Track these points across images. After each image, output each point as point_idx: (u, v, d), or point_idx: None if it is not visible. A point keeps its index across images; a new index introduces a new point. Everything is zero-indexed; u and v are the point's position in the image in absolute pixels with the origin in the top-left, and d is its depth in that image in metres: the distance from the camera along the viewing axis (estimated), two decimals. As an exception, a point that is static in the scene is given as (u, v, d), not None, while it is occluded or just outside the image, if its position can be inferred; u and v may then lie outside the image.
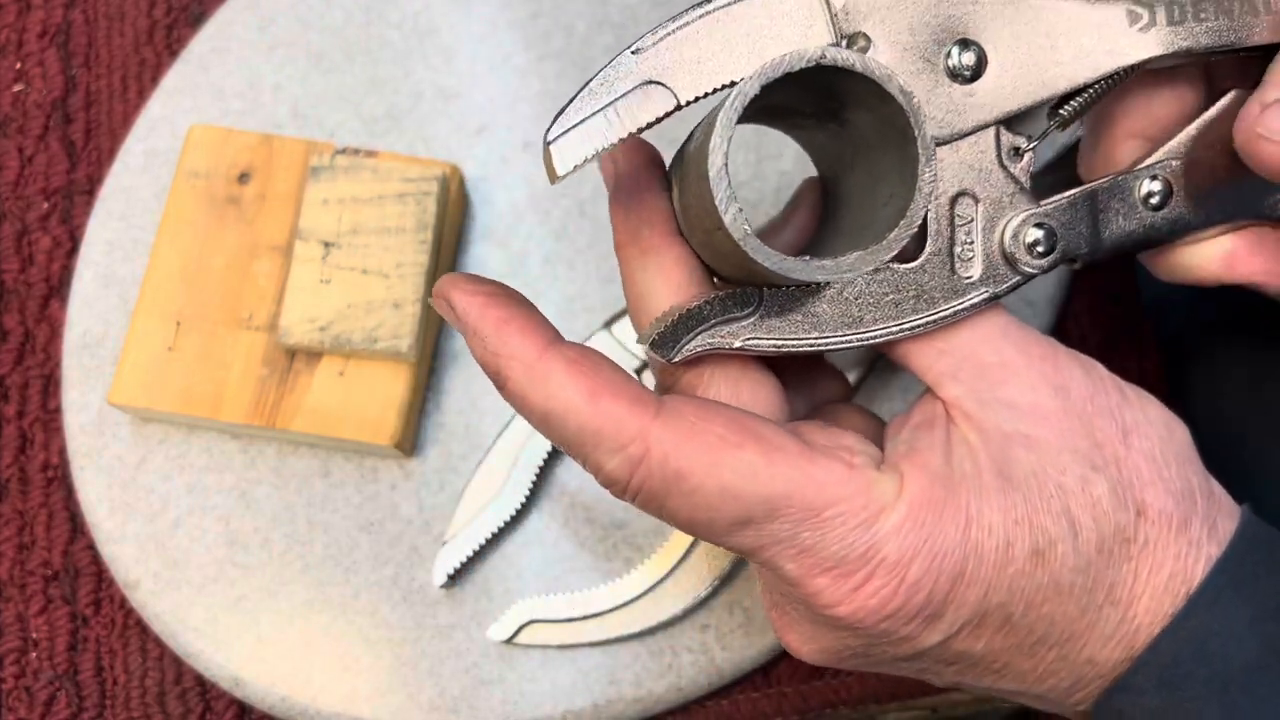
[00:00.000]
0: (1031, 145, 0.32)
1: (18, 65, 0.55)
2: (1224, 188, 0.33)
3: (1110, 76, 0.32)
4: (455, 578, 0.46)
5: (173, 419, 0.47)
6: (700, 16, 0.29)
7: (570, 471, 0.47)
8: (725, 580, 0.45)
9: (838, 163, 0.33)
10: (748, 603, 0.45)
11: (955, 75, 0.31)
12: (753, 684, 0.46)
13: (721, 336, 0.30)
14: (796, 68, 0.27)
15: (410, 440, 0.47)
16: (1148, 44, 0.32)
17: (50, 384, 0.51)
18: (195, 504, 0.47)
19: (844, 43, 0.30)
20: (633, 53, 0.28)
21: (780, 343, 0.30)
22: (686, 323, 0.30)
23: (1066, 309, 0.49)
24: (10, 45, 0.55)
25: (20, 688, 0.48)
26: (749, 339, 0.30)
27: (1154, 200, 0.33)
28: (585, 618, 0.45)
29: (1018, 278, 0.32)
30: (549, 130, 0.28)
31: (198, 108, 0.52)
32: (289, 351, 0.47)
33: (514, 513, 0.46)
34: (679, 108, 0.28)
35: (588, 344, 0.46)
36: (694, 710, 0.46)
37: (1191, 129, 0.33)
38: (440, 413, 0.48)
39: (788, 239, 0.36)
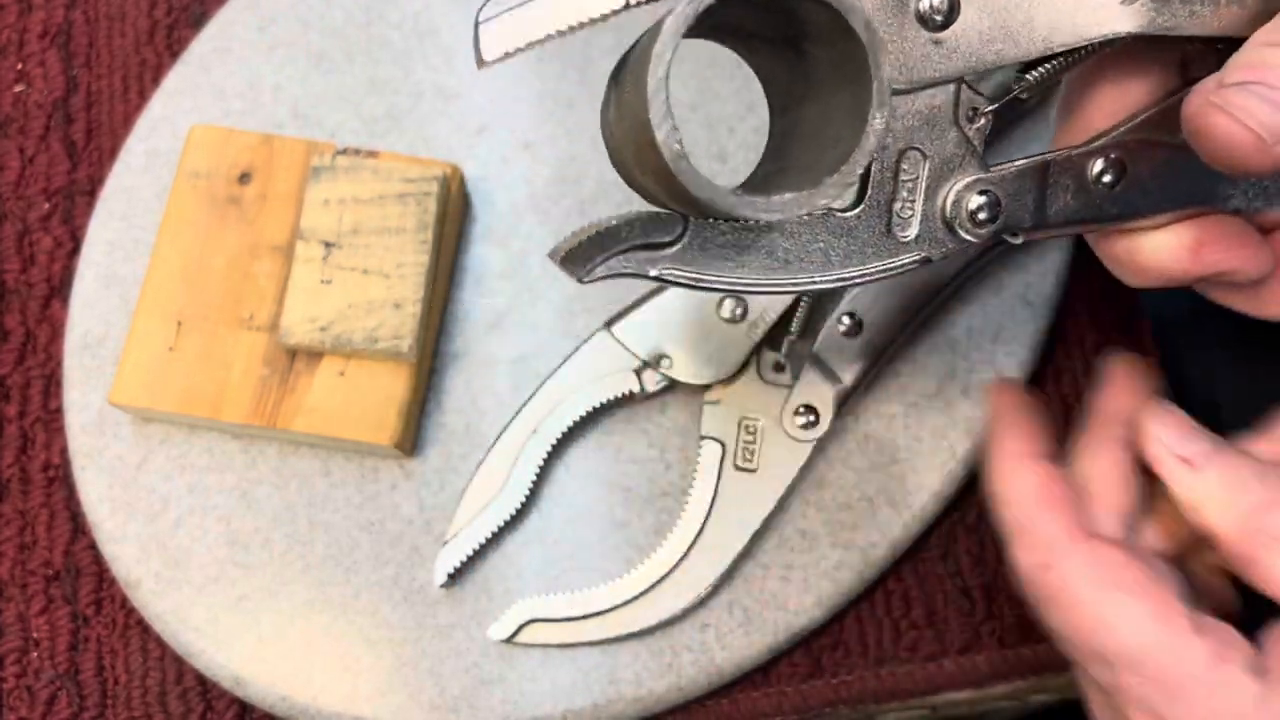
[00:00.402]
0: (991, 108, 0.30)
1: (19, 65, 0.55)
2: (1179, 175, 0.32)
3: (1085, 46, 0.30)
4: (455, 577, 0.46)
5: (174, 419, 0.47)
6: None
7: (570, 472, 0.47)
8: (725, 580, 0.45)
9: (789, 95, 0.32)
10: (748, 602, 0.46)
11: (925, 20, 0.29)
12: (753, 684, 0.46)
13: (637, 262, 0.28)
14: None
15: (411, 440, 0.47)
16: (1130, 17, 0.30)
17: (51, 384, 0.51)
18: (196, 504, 0.47)
19: None
20: None
21: (699, 278, 0.29)
22: (600, 241, 0.28)
23: (1066, 309, 0.49)
24: (11, 45, 0.55)
25: (21, 687, 0.48)
26: (666, 269, 0.29)
27: (1106, 179, 0.32)
28: (585, 617, 0.45)
29: (955, 244, 0.31)
30: (483, 7, 0.26)
31: (198, 108, 0.52)
32: (290, 351, 0.47)
33: (514, 513, 0.46)
34: (630, 6, 0.27)
35: (588, 344, 0.47)
36: (694, 710, 0.46)
37: (1154, 112, 0.32)
38: (440, 413, 0.48)
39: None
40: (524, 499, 0.46)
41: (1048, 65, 0.31)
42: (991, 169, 0.31)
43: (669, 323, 0.46)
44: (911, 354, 0.48)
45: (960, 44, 0.29)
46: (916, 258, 0.30)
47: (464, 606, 0.46)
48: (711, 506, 0.45)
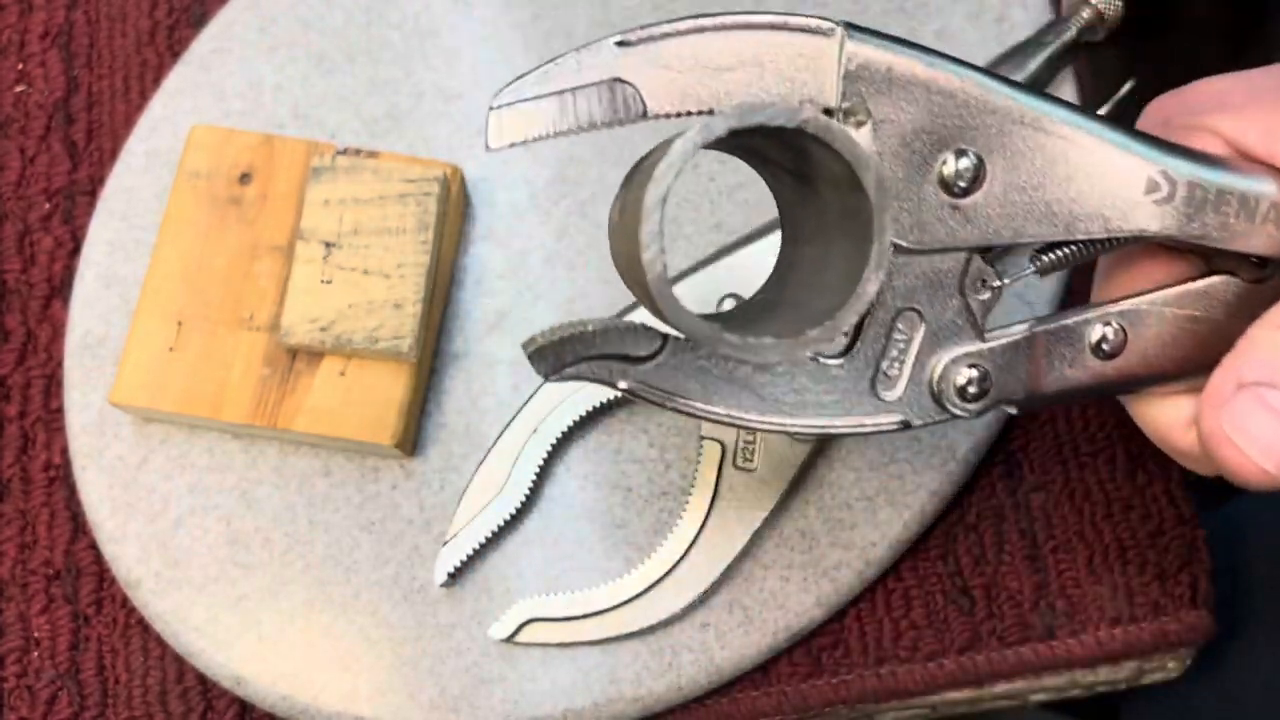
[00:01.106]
0: (1000, 283, 0.29)
1: (19, 66, 0.55)
2: (1185, 346, 0.30)
3: (1109, 239, 0.29)
4: (456, 577, 0.46)
5: (174, 419, 0.47)
6: (699, 29, 0.26)
7: (570, 472, 0.47)
8: (725, 580, 0.45)
9: (798, 227, 0.31)
10: (748, 602, 0.46)
11: (947, 184, 0.27)
12: (753, 683, 0.46)
13: (609, 371, 0.27)
14: (775, 123, 0.24)
15: (411, 440, 0.47)
16: (1159, 219, 0.29)
17: (52, 384, 0.51)
18: (197, 504, 0.47)
19: (843, 110, 0.27)
20: (616, 43, 0.26)
21: (668, 399, 0.28)
22: (573, 345, 0.27)
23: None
24: (12, 46, 0.56)
25: (22, 687, 0.48)
26: (637, 383, 0.28)
27: (1105, 348, 0.30)
28: (585, 617, 0.45)
29: (943, 415, 0.29)
30: (499, 93, 0.26)
31: (199, 108, 0.52)
32: (290, 351, 0.47)
33: (514, 513, 0.46)
34: (644, 118, 0.26)
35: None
36: (694, 709, 0.46)
37: (1169, 293, 0.30)
38: (440, 413, 0.48)
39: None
40: (524, 499, 0.46)
41: (1068, 250, 0.30)
42: (986, 338, 0.29)
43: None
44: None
45: (980, 214, 0.28)
46: (896, 420, 0.29)
47: (464, 606, 0.46)
48: (711, 506, 0.45)
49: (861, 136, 0.27)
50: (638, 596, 0.45)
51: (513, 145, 0.26)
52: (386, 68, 0.52)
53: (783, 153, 0.28)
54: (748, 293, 0.46)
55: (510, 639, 0.45)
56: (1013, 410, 0.30)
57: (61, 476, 0.50)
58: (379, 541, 0.47)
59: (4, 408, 0.51)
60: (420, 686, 0.45)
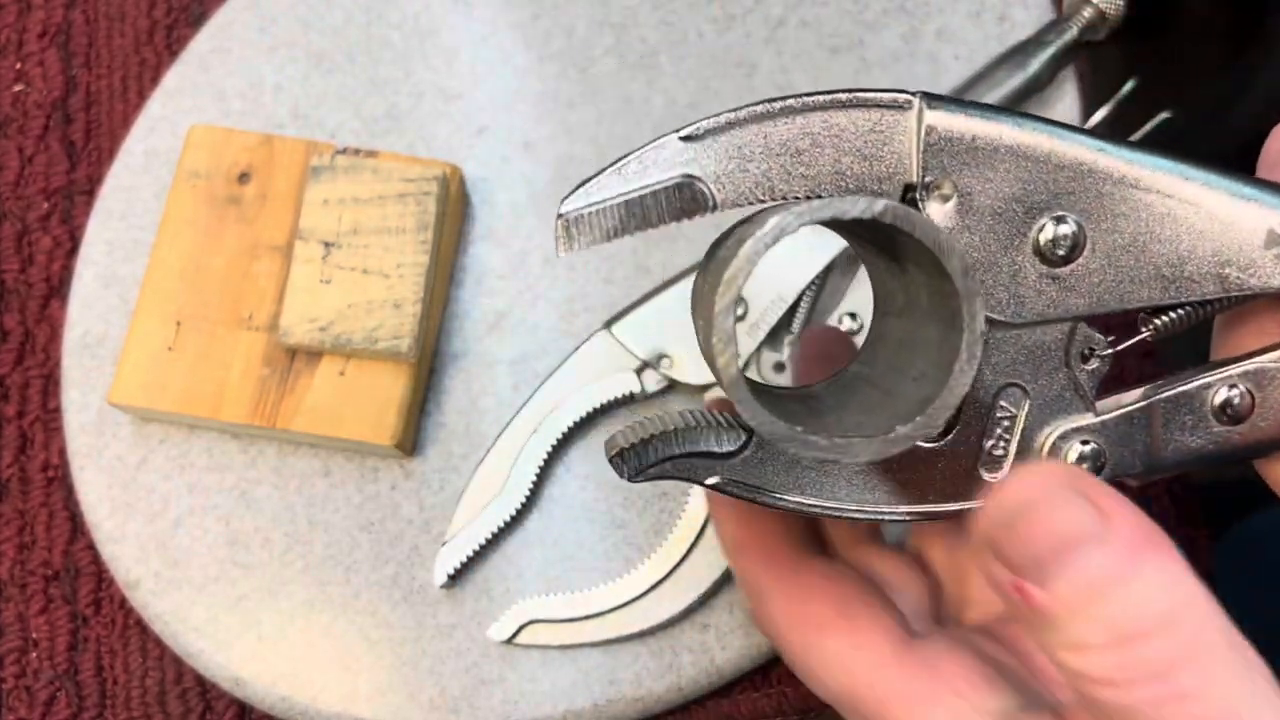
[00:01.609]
0: (1110, 352, 0.27)
1: (18, 65, 0.55)
2: None
3: (1227, 297, 0.27)
4: (455, 578, 0.46)
5: (173, 419, 0.47)
6: (765, 115, 0.25)
7: (570, 472, 0.47)
8: (725, 580, 0.45)
9: (889, 301, 0.29)
10: (748, 603, 0.45)
11: (1044, 254, 0.26)
12: (753, 684, 0.46)
13: (692, 469, 0.27)
14: (848, 216, 0.23)
15: (410, 440, 0.47)
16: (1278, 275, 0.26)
17: (50, 384, 0.51)
18: (196, 504, 0.47)
19: (925, 184, 0.26)
20: (681, 139, 0.25)
21: (757, 494, 0.27)
22: (658, 445, 0.27)
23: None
24: (10, 45, 0.55)
25: (20, 687, 0.48)
26: (723, 480, 0.27)
27: (1230, 412, 0.28)
28: (585, 618, 0.45)
29: None
30: (567, 198, 0.25)
31: (198, 108, 0.52)
32: (289, 351, 0.47)
33: (514, 513, 0.46)
34: (713, 210, 0.25)
35: (588, 344, 0.47)
36: (694, 710, 0.46)
37: None
38: (440, 413, 0.48)
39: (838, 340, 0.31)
40: (524, 499, 0.46)
41: (1183, 311, 0.28)
42: (1098, 412, 0.27)
43: (669, 323, 0.46)
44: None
45: (1082, 283, 0.26)
46: None
47: (464, 607, 0.46)
48: (712, 507, 0.45)
49: (946, 211, 0.26)
50: (638, 598, 0.45)
51: (578, 250, 0.25)
52: (386, 67, 0.52)
53: (870, 233, 0.27)
54: (749, 294, 0.46)
55: (510, 640, 0.45)
56: (1133, 483, 0.28)
57: (60, 476, 0.50)
58: (378, 542, 0.47)
59: (2, 408, 0.51)
60: (420, 687, 0.45)
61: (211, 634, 0.46)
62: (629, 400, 0.46)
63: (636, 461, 0.27)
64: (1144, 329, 0.28)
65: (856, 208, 0.23)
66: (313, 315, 0.45)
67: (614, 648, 0.45)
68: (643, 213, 0.25)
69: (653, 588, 0.45)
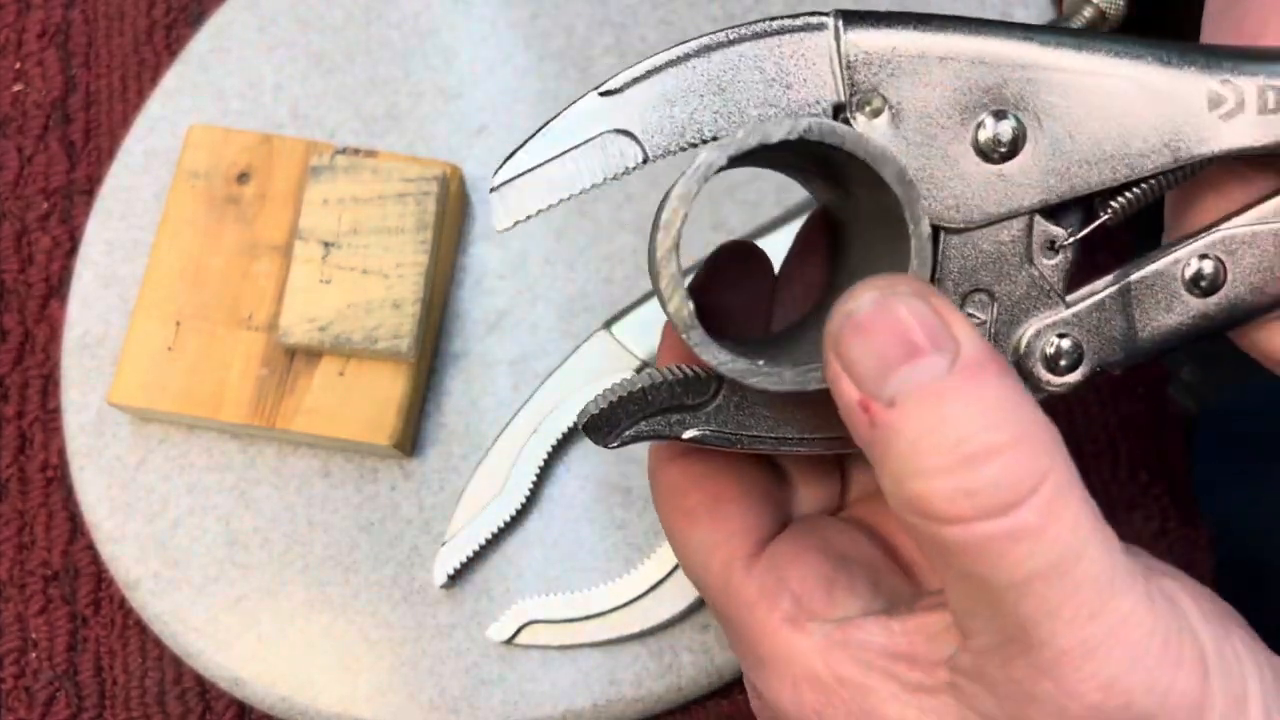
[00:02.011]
0: (1071, 240, 0.27)
1: (17, 65, 0.55)
2: None
3: (1180, 167, 0.26)
4: (455, 578, 0.46)
5: (173, 419, 0.47)
6: (683, 58, 0.25)
7: (570, 472, 0.47)
8: (725, 580, 0.45)
9: (844, 222, 0.29)
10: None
11: (986, 152, 0.26)
12: (753, 684, 0.46)
13: (667, 425, 0.27)
14: (773, 139, 0.24)
15: (410, 440, 0.47)
16: (1230, 134, 0.26)
17: (50, 384, 0.51)
18: (195, 504, 0.47)
19: (854, 102, 0.25)
20: (600, 94, 0.25)
21: (736, 436, 0.27)
22: (628, 407, 0.26)
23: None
24: (10, 45, 0.55)
25: (20, 688, 0.48)
26: (700, 431, 0.27)
27: (1204, 284, 0.27)
28: (585, 618, 0.45)
29: (1039, 395, 0.27)
30: (496, 173, 0.25)
31: (197, 108, 0.52)
32: (289, 351, 0.47)
33: (514, 513, 0.46)
34: (646, 162, 0.25)
35: (588, 344, 0.47)
36: (694, 710, 0.46)
37: (1264, 208, 0.27)
38: (440, 413, 0.48)
39: (796, 293, 0.31)
40: (524, 499, 0.46)
41: (1138, 189, 0.27)
42: (1069, 304, 0.27)
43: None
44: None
45: (1029, 176, 0.26)
46: None
47: (464, 607, 0.46)
48: (712, 507, 0.44)
49: (879, 126, 0.25)
50: (638, 598, 0.45)
51: (522, 221, 0.25)
52: (386, 67, 0.52)
53: (805, 160, 0.27)
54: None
55: (510, 640, 0.45)
56: (1116, 371, 0.28)
57: (59, 477, 0.49)
58: (378, 542, 0.47)
59: (2, 408, 0.51)
60: (420, 687, 0.45)
61: (211, 634, 0.46)
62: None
63: (610, 426, 0.27)
64: (1102, 212, 0.27)
65: (781, 129, 0.23)
66: (312, 315, 0.45)
67: (614, 648, 0.45)
68: (576, 175, 0.25)
69: (653, 588, 0.45)
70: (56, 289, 0.52)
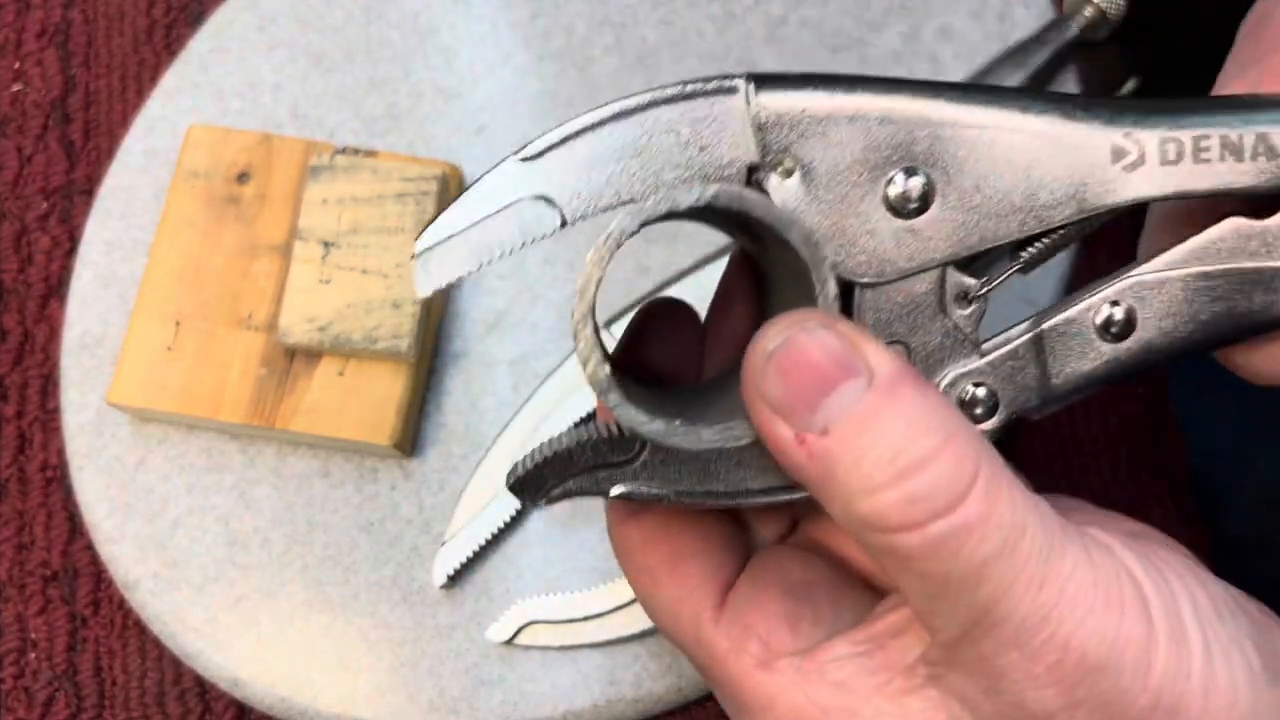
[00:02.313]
0: (983, 292, 0.27)
1: (16, 65, 0.55)
2: (1208, 318, 0.28)
3: (1087, 218, 0.27)
4: (455, 578, 0.46)
5: (172, 419, 0.47)
6: (599, 123, 0.26)
7: (570, 472, 0.47)
8: (725, 581, 0.45)
9: (765, 271, 0.30)
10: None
11: (896, 208, 0.26)
12: (753, 684, 0.46)
13: (595, 483, 0.27)
14: (682, 206, 0.24)
15: (410, 440, 0.47)
16: (1133, 185, 0.27)
17: (49, 384, 0.51)
18: (194, 504, 0.47)
19: (766, 166, 0.26)
20: (520, 160, 0.25)
21: (663, 494, 0.27)
22: (554, 466, 0.27)
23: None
24: (9, 45, 0.55)
25: (19, 688, 0.48)
26: (629, 488, 0.27)
27: (1114, 329, 0.28)
28: (585, 618, 0.45)
29: None
30: (418, 239, 0.26)
31: (197, 107, 0.52)
32: (288, 351, 0.46)
33: (514, 513, 0.46)
34: (564, 225, 0.26)
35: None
36: (694, 711, 0.46)
37: (1168, 256, 0.28)
38: (440, 413, 0.48)
39: (722, 338, 0.31)
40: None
41: (1046, 240, 0.28)
42: (984, 350, 0.28)
43: (669, 323, 0.46)
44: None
45: (940, 230, 0.27)
46: None
47: (463, 607, 0.46)
48: (712, 507, 0.44)
49: (791, 186, 0.26)
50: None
51: (444, 288, 0.26)
52: (385, 67, 0.52)
53: (720, 220, 0.27)
54: None
55: (510, 641, 0.45)
56: (1033, 417, 0.29)
57: (59, 477, 0.49)
58: (378, 542, 0.47)
59: (1, 408, 0.51)
60: (419, 688, 0.45)
61: (210, 634, 0.46)
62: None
63: (536, 488, 0.27)
64: (1011, 263, 0.28)
65: (690, 196, 0.24)
66: (312, 315, 0.45)
67: (614, 648, 0.45)
68: (493, 239, 0.25)
69: (653, 588, 0.44)
70: (56, 289, 0.52)
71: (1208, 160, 0.27)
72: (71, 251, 0.52)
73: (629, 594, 0.45)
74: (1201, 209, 0.28)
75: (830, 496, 0.24)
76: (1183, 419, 0.48)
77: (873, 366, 0.24)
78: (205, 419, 0.46)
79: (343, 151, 0.47)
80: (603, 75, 0.52)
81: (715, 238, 0.49)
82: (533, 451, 0.27)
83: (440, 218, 0.25)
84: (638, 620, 0.44)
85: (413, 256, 0.26)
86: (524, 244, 0.25)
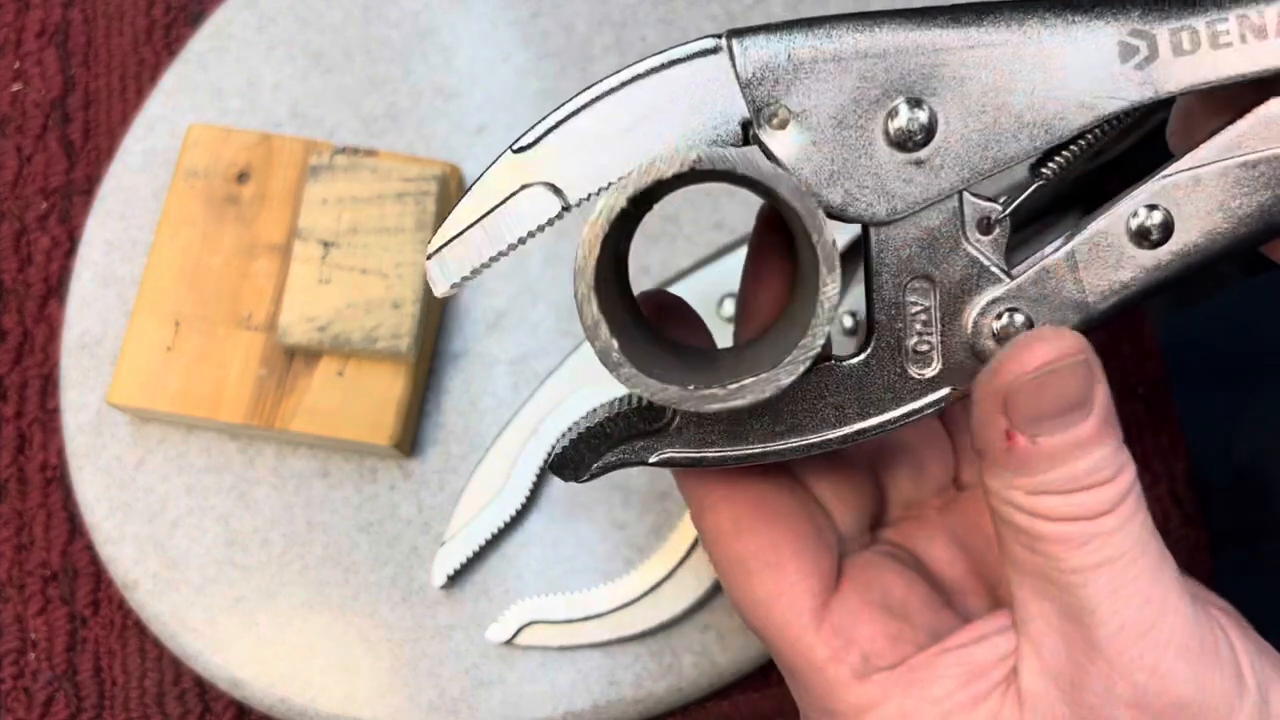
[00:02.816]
0: (1005, 213, 0.27)
1: (16, 64, 0.55)
2: (1259, 206, 0.26)
3: (1104, 123, 0.26)
4: (455, 578, 0.46)
5: (171, 419, 0.47)
6: (589, 103, 0.26)
7: (570, 472, 0.47)
8: (725, 581, 0.45)
9: (796, 248, 0.29)
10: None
11: (900, 143, 0.26)
12: (753, 684, 0.46)
13: (633, 453, 0.27)
14: (667, 175, 0.24)
15: (409, 440, 0.47)
16: (1147, 83, 0.26)
17: (49, 384, 0.51)
18: (194, 504, 0.47)
19: (759, 119, 0.26)
20: (515, 151, 0.26)
21: (700, 456, 0.27)
22: (590, 442, 0.27)
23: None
24: (9, 44, 0.55)
25: (19, 688, 0.47)
26: (664, 454, 0.27)
27: (1153, 236, 0.26)
28: (585, 618, 0.45)
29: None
30: (430, 243, 0.26)
31: (196, 107, 0.52)
32: (288, 351, 0.46)
33: (514, 513, 0.45)
34: (567, 210, 0.26)
35: (587, 344, 0.47)
36: (694, 710, 0.46)
37: (1206, 149, 0.26)
38: (440, 413, 0.48)
39: (760, 298, 0.31)
40: (524, 499, 0.45)
41: (1066, 153, 0.27)
42: (1014, 275, 0.27)
43: (669, 322, 0.46)
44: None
45: (947, 159, 0.26)
46: (944, 395, 0.27)
47: (463, 608, 0.46)
48: (712, 507, 0.44)
49: (788, 136, 0.26)
50: (638, 599, 0.44)
51: (460, 285, 0.26)
52: (385, 66, 0.52)
53: (729, 180, 0.27)
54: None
55: (510, 641, 0.45)
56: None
57: (58, 477, 0.49)
58: (377, 542, 0.47)
59: (1, 408, 0.51)
60: (419, 688, 0.45)
61: (210, 635, 0.46)
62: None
63: (576, 465, 0.27)
64: (1034, 178, 0.27)
65: (673, 165, 0.24)
66: (311, 315, 0.45)
67: (614, 648, 0.45)
68: (501, 231, 0.26)
69: (653, 588, 0.44)
70: (56, 289, 0.52)
71: (1228, 44, 0.25)
72: (71, 251, 0.52)
73: (629, 594, 0.44)
74: (1231, 98, 0.27)
75: (1001, 478, 0.26)
76: (1183, 419, 0.48)
77: (1099, 401, 0.26)
78: (205, 419, 0.46)
79: (342, 151, 0.47)
80: (603, 74, 0.52)
81: (715, 237, 0.49)
82: (567, 430, 0.28)
83: (447, 219, 0.26)
84: (638, 620, 0.44)
85: (428, 257, 0.26)
86: (530, 232, 0.26)
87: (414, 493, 0.47)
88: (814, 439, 0.27)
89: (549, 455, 0.28)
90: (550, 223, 0.26)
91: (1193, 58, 0.26)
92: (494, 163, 0.26)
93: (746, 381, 0.24)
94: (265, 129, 0.51)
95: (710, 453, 0.27)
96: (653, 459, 0.27)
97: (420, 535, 0.46)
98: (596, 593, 0.45)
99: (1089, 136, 0.26)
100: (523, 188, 0.26)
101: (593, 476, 0.28)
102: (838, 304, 0.25)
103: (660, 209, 0.52)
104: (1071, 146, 0.27)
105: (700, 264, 0.46)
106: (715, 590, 0.45)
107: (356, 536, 0.47)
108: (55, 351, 0.51)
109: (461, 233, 0.26)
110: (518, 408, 0.46)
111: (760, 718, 0.46)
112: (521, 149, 0.26)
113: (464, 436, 0.48)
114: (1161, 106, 0.26)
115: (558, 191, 0.26)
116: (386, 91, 0.52)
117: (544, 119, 0.26)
